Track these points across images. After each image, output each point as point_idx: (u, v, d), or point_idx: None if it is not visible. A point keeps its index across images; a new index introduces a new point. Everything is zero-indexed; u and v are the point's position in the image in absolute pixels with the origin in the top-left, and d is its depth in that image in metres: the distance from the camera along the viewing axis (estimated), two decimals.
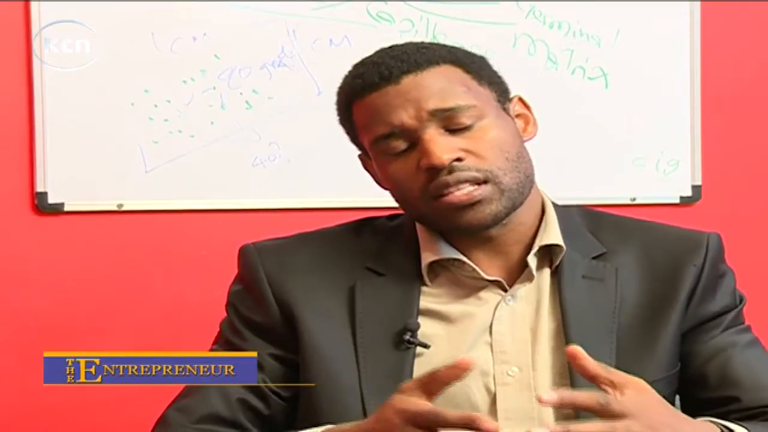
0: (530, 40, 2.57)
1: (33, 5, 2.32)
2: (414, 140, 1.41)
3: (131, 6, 2.36)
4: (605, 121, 2.63)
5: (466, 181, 1.40)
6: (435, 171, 1.39)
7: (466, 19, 2.52)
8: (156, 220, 2.41)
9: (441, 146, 1.39)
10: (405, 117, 1.40)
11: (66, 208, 2.36)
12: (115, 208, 2.38)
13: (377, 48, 1.51)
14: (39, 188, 2.34)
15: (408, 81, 1.41)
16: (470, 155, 1.40)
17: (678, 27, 2.64)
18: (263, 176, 2.45)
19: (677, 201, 2.67)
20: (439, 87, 1.41)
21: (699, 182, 2.67)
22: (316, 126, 2.42)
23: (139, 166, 2.38)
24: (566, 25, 2.59)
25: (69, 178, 2.35)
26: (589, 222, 1.53)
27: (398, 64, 1.42)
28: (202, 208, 2.43)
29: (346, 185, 2.44)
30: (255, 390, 1.46)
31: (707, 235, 1.51)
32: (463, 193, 1.40)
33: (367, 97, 1.43)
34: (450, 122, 1.41)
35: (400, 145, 1.42)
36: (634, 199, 2.64)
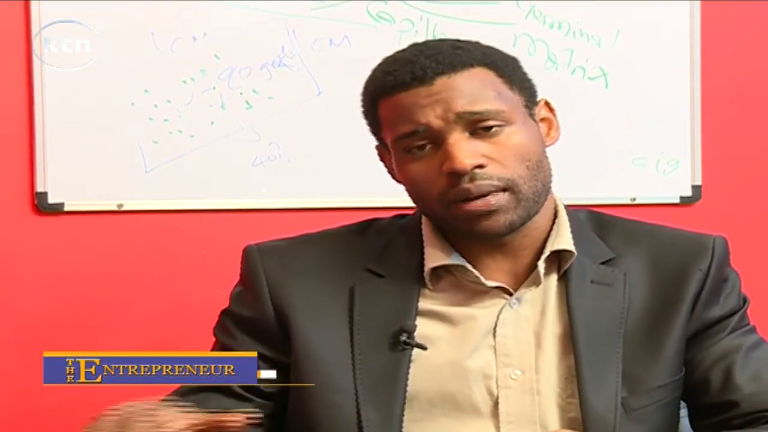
0: (530, 40, 2.57)
1: (33, 5, 2.32)
2: (438, 141, 1.40)
3: (131, 6, 2.36)
4: (605, 121, 2.63)
5: (487, 191, 1.39)
6: (456, 176, 1.38)
7: (466, 19, 2.51)
8: (156, 220, 2.41)
9: (464, 151, 1.38)
10: (432, 117, 1.39)
11: (66, 208, 2.35)
12: (115, 208, 2.38)
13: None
14: (39, 188, 2.33)
15: (440, 82, 1.39)
16: (492, 162, 1.39)
17: (678, 27, 2.64)
18: (263, 176, 2.44)
19: (677, 201, 2.67)
20: (471, 90, 1.40)
21: (699, 182, 2.67)
22: (316, 126, 2.42)
23: (139, 166, 2.38)
24: (566, 25, 2.59)
25: (69, 178, 2.35)
26: (597, 226, 1.53)
27: (433, 65, 1.40)
28: (202, 208, 2.43)
29: (346, 185, 2.44)
30: (236, 397, 1.46)
31: (713, 239, 1.51)
32: (481, 201, 1.39)
33: (397, 96, 1.41)
34: (476, 126, 1.39)
35: (424, 144, 1.40)
36: (634, 199, 2.64)
